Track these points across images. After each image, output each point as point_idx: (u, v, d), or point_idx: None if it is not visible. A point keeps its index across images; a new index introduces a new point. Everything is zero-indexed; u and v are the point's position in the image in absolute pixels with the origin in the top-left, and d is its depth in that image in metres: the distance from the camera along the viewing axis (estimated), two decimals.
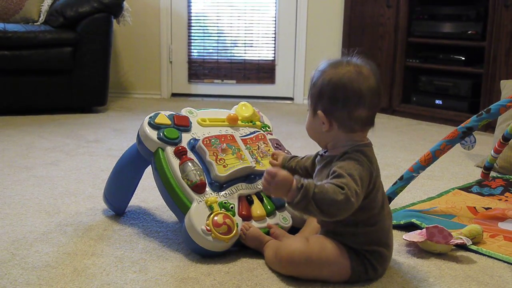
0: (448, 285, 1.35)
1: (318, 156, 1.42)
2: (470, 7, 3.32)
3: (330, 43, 4.06)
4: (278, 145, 1.74)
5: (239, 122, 1.72)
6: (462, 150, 2.08)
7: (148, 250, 1.50)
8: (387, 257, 1.36)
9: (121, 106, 3.82)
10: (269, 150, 1.68)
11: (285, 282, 1.33)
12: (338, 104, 1.30)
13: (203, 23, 4.25)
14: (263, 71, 4.23)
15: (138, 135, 1.57)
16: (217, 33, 4.24)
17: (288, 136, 2.91)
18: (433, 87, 3.56)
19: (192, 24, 4.21)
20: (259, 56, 4.24)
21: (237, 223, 1.46)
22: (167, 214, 1.75)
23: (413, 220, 1.67)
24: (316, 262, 1.31)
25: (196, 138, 1.59)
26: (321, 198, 1.21)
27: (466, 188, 2.11)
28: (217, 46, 4.25)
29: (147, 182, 1.86)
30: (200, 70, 4.24)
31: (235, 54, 4.25)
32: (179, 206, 1.47)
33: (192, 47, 4.23)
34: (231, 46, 4.26)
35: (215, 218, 1.43)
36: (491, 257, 1.51)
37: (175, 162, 1.51)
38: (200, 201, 1.46)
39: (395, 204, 1.86)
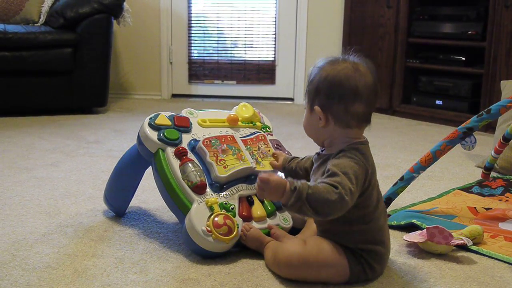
0: (449, 285, 1.35)
1: (316, 155, 1.42)
2: (470, 8, 3.31)
3: (330, 44, 4.05)
4: (278, 146, 1.74)
5: (239, 122, 1.72)
6: (462, 150, 2.08)
7: (148, 251, 1.50)
8: (384, 255, 1.36)
9: (121, 107, 3.82)
10: (269, 150, 1.68)
11: (286, 283, 1.33)
12: (334, 99, 1.30)
13: (203, 23, 4.25)
14: (263, 72, 4.23)
15: (138, 136, 1.57)
16: (217, 33, 4.24)
17: (288, 137, 2.91)
18: (433, 87, 3.55)
19: (192, 25, 4.21)
20: (259, 57, 4.23)
21: (237, 224, 1.46)
22: (167, 215, 1.75)
23: (414, 220, 1.67)
24: (314, 265, 1.31)
25: (197, 139, 1.59)
26: (315, 199, 1.21)
27: (467, 189, 2.11)
28: (217, 47, 4.25)
29: (148, 183, 1.86)
30: (200, 70, 4.24)
31: (235, 55, 4.25)
32: (180, 207, 1.47)
33: (192, 48, 4.23)
34: (231, 47, 4.26)
35: (216, 219, 1.43)
36: (492, 258, 1.51)
37: (175, 163, 1.50)
38: (200, 202, 1.46)
39: (395, 204, 1.86)
